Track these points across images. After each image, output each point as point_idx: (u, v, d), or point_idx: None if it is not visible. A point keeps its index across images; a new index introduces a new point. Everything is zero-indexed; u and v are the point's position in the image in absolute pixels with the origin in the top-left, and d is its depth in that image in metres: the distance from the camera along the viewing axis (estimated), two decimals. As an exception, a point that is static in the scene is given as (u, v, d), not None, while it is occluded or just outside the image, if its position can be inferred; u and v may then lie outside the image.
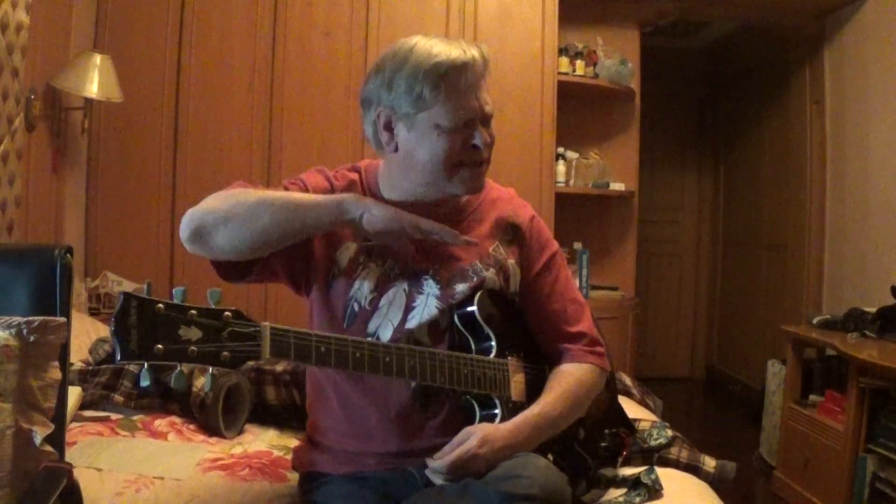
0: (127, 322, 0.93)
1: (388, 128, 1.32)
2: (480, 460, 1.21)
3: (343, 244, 1.35)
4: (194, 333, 0.97)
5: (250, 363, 1.97)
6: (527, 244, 1.44)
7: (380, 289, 1.33)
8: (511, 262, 1.41)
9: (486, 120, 1.32)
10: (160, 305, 0.96)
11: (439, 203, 1.37)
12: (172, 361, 0.97)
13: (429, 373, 1.23)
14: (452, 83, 1.26)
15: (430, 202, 1.36)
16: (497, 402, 1.30)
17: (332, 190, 1.35)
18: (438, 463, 1.23)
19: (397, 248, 1.32)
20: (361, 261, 1.34)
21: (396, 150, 1.32)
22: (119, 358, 0.94)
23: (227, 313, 1.01)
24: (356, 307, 1.32)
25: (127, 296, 0.94)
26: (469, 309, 1.33)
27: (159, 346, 0.95)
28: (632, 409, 2.10)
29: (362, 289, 1.33)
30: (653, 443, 1.78)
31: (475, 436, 1.23)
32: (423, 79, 1.26)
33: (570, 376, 1.39)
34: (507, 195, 1.48)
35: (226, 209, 1.20)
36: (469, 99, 1.28)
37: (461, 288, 1.35)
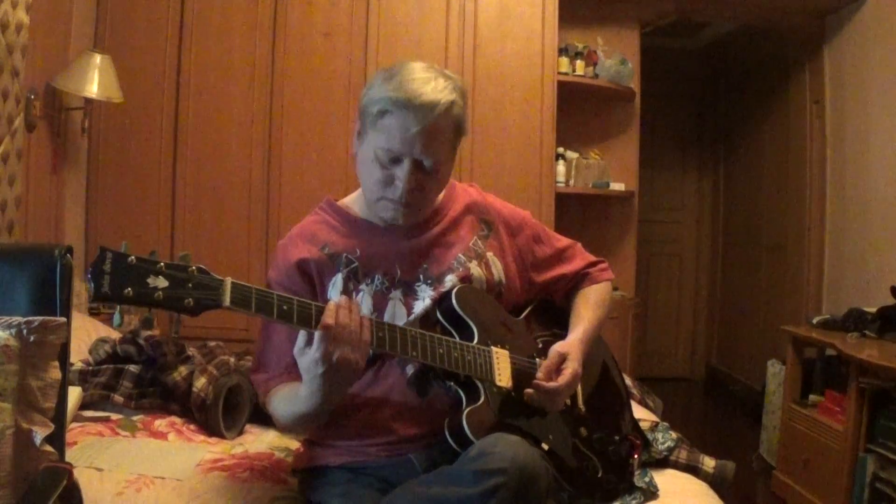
0: (101, 269, 1.02)
1: (359, 134, 1.38)
2: (579, 377, 1.37)
3: (330, 280, 1.37)
4: (161, 282, 1.05)
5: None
6: (500, 229, 1.50)
7: (378, 308, 1.35)
8: (490, 254, 1.46)
9: (418, 165, 1.31)
10: (132, 258, 1.04)
11: None
12: (140, 304, 1.05)
13: (399, 344, 1.23)
14: (394, 118, 1.29)
15: None
16: (480, 386, 1.30)
17: (305, 273, 1.37)
18: (553, 385, 1.32)
19: (383, 270, 1.37)
20: (351, 287, 1.36)
21: (356, 156, 1.39)
22: (92, 298, 1.03)
23: (192, 268, 1.08)
24: None
25: (103, 249, 1.03)
26: (448, 303, 1.35)
27: (129, 289, 1.03)
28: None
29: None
30: (661, 447, 1.76)
31: (570, 358, 1.37)
32: (376, 102, 1.30)
33: (593, 292, 1.56)
34: (475, 194, 1.53)
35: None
36: (399, 141, 1.29)
37: (450, 278, 1.39)
